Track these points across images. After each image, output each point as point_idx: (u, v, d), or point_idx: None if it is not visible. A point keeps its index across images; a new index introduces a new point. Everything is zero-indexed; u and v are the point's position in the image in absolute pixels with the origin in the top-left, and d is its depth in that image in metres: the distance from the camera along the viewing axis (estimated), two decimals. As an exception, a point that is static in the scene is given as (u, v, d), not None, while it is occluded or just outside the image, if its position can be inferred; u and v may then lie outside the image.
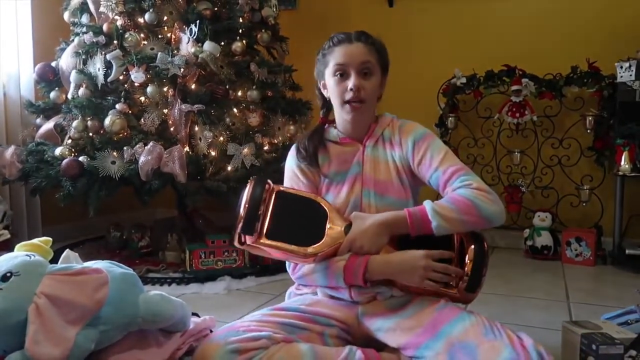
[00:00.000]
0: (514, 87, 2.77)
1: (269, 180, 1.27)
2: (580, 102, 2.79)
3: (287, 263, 1.34)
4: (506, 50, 2.92)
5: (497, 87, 2.88)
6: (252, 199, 1.20)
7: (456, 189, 1.22)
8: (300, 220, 1.24)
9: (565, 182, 2.87)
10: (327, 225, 1.23)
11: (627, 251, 2.53)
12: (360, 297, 1.27)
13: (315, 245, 1.20)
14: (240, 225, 1.19)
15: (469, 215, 1.18)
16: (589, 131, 2.73)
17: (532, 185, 2.91)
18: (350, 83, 1.27)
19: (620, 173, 2.53)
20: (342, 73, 1.29)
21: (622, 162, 2.52)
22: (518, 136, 2.93)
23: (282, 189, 1.28)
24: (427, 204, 1.21)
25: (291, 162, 1.39)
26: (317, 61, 1.37)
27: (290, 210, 1.24)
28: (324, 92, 1.38)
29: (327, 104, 1.40)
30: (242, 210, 1.20)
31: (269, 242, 1.20)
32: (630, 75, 2.52)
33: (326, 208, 1.25)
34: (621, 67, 2.54)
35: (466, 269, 1.19)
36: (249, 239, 1.20)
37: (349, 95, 1.28)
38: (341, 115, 1.35)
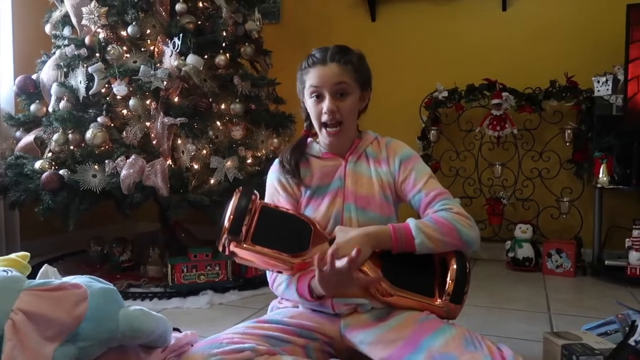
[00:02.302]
0: (495, 101, 2.82)
1: (256, 192, 1.27)
2: (559, 115, 2.84)
3: (268, 277, 1.34)
4: (487, 64, 2.98)
5: (478, 100, 2.93)
6: (238, 210, 1.20)
7: (437, 212, 1.26)
8: (285, 233, 1.24)
9: (545, 194, 2.91)
10: (312, 240, 1.23)
11: (606, 262, 2.57)
12: (341, 309, 1.27)
13: (300, 256, 1.20)
14: (226, 230, 1.19)
15: (450, 237, 1.22)
16: (568, 144, 2.79)
17: (513, 197, 2.95)
18: (325, 106, 1.28)
19: (599, 185, 2.58)
20: (317, 95, 1.30)
21: (601, 175, 2.57)
22: (499, 149, 2.97)
23: (267, 204, 1.28)
24: (411, 221, 1.23)
25: (272, 177, 1.40)
26: (297, 78, 1.37)
27: (275, 223, 1.24)
28: (306, 107, 1.39)
29: (310, 118, 1.41)
30: (227, 219, 1.20)
31: (254, 247, 1.19)
32: (607, 89, 2.58)
33: (311, 225, 1.26)
34: (598, 82, 2.61)
35: (447, 288, 1.20)
36: (233, 244, 1.19)
37: (324, 118, 1.30)
38: (321, 137, 1.36)
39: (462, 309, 1.23)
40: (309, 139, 1.42)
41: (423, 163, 1.36)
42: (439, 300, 1.22)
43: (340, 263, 1.11)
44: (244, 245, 1.19)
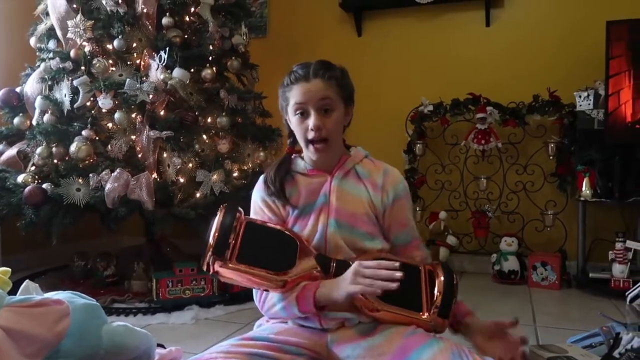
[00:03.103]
0: (479, 115, 2.85)
1: (241, 209, 1.25)
2: (542, 129, 2.88)
3: (255, 298, 1.32)
4: (471, 79, 3.02)
5: (462, 114, 2.96)
6: (223, 227, 1.18)
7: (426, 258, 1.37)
8: (271, 250, 1.22)
9: (530, 207, 2.94)
10: (298, 255, 1.22)
11: (590, 275, 2.59)
12: (329, 324, 1.27)
13: (286, 274, 1.19)
14: (211, 249, 1.17)
15: None
16: (551, 158, 2.82)
17: (498, 210, 2.97)
18: (311, 123, 1.27)
19: (582, 198, 2.61)
20: (302, 112, 1.29)
21: (583, 188, 2.60)
22: (484, 162, 3.00)
23: (252, 220, 1.27)
24: None
25: (256, 196, 1.37)
26: (279, 96, 1.36)
27: (260, 240, 1.23)
28: (290, 124, 1.38)
29: (294, 134, 1.40)
30: (211, 237, 1.18)
31: (240, 266, 1.18)
32: (589, 104, 2.62)
33: (296, 239, 1.25)
34: (580, 97, 2.65)
35: (435, 300, 1.20)
36: (218, 264, 1.17)
37: (310, 135, 1.28)
38: (307, 153, 1.35)
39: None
40: (293, 156, 1.41)
41: (411, 201, 1.41)
42: (426, 314, 1.22)
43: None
44: (229, 265, 1.17)
